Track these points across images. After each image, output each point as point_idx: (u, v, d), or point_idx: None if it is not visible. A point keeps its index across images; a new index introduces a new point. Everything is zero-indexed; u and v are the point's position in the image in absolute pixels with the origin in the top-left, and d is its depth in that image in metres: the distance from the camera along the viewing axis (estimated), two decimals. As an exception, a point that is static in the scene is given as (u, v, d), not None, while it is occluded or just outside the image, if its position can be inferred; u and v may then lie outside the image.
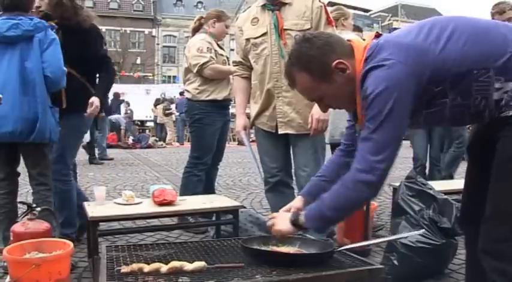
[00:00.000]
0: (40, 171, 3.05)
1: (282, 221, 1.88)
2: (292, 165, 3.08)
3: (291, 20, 2.84)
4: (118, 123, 16.16)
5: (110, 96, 18.72)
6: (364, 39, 1.78)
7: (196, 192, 3.75)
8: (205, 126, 4.01)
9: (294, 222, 1.83)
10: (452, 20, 1.69)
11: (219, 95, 4.01)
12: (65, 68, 2.99)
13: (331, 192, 1.72)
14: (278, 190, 3.08)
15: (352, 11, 4.47)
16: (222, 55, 4.10)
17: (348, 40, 1.78)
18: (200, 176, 4.05)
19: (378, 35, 1.76)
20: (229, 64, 4.10)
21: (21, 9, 2.98)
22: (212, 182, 4.34)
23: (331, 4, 11.45)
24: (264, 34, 2.91)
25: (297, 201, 2.05)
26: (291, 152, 3.05)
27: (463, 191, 2.01)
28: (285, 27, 2.85)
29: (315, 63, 1.69)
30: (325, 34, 1.83)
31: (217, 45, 4.12)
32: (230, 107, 4.33)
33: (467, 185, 1.98)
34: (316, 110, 2.74)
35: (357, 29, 4.52)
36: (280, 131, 2.96)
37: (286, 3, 2.86)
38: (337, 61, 1.67)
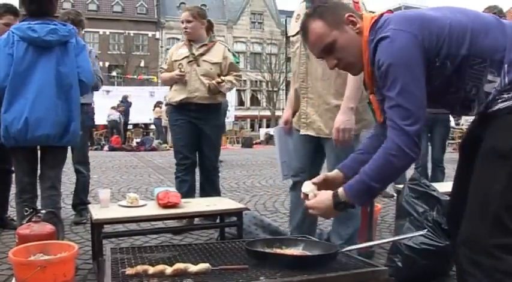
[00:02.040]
0: (56, 174, 3.12)
1: (321, 204, 1.83)
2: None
3: None
4: (115, 121, 16.32)
5: (119, 99, 18.96)
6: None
7: (182, 193, 3.63)
8: (171, 127, 4.28)
9: (336, 203, 1.78)
10: (459, 8, 1.78)
11: (174, 100, 4.06)
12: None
13: (373, 164, 1.72)
14: (297, 190, 3.07)
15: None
16: (177, 60, 4.07)
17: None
18: (180, 176, 4.09)
19: (390, 12, 1.89)
20: (197, 65, 4.01)
21: (50, 14, 3.06)
22: (213, 186, 4.24)
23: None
24: (298, 32, 2.91)
25: (333, 173, 2.05)
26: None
27: (451, 192, 1.99)
28: None
29: (329, 13, 1.83)
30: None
31: (191, 45, 4.08)
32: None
33: (455, 185, 1.96)
34: (338, 119, 2.69)
35: None
36: (302, 132, 2.98)
37: None
38: (349, 13, 1.81)
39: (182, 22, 4.05)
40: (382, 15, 1.81)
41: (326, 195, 1.82)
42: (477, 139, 1.73)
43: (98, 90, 4.42)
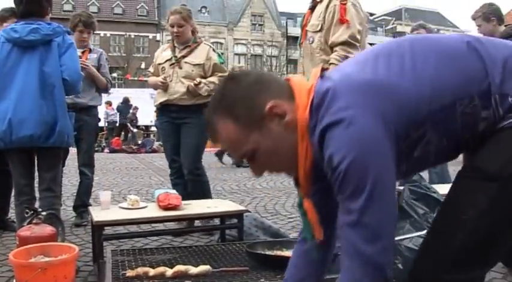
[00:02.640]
0: (52, 176, 3.06)
1: None
2: None
3: (312, 20, 2.82)
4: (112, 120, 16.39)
5: (120, 101, 19.00)
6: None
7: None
8: (159, 130, 4.24)
9: None
10: (411, 42, 1.35)
11: (157, 102, 4.08)
12: (82, 73, 3.03)
13: None
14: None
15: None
16: (160, 64, 4.05)
17: (286, 79, 1.37)
18: (173, 180, 4.12)
19: (324, 70, 1.35)
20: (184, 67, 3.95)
21: (37, 15, 3.02)
22: (196, 188, 3.98)
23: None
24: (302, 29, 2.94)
25: None
26: None
27: None
28: (307, 28, 2.85)
29: (241, 106, 1.27)
30: (257, 71, 1.48)
31: (176, 48, 4.05)
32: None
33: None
34: None
35: None
36: None
37: (318, 2, 2.83)
38: (272, 104, 1.25)
39: (172, 26, 3.95)
40: (322, 77, 1.31)
41: None
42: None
43: (107, 92, 4.42)
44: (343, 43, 2.64)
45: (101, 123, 20.49)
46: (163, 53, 4.09)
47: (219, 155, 9.96)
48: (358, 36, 2.66)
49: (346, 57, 2.67)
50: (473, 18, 4.57)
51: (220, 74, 3.96)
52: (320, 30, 2.77)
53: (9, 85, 2.93)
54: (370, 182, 1.15)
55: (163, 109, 4.05)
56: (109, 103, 18.16)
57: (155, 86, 4.04)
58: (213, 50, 4.07)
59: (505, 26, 4.45)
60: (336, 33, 2.68)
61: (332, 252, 1.44)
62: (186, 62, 3.94)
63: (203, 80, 3.85)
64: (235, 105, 1.27)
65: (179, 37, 3.97)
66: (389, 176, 1.20)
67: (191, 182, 3.97)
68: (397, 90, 1.22)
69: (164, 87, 3.92)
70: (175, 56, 3.97)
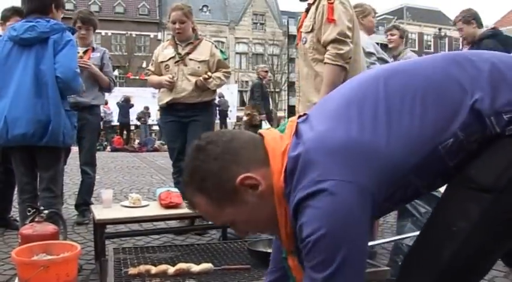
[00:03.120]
0: (50, 176, 3.03)
1: None
2: None
3: (305, 21, 2.87)
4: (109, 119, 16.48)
5: (120, 100, 19.02)
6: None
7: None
8: (162, 129, 4.19)
9: None
10: (385, 81, 1.25)
11: (162, 102, 4.06)
12: (77, 70, 2.96)
13: None
14: None
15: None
16: (163, 62, 4.04)
17: (260, 134, 1.30)
18: (175, 178, 4.13)
19: (298, 123, 1.29)
20: (187, 65, 3.96)
21: (40, 12, 3.00)
22: None
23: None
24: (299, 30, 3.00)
25: None
26: None
27: None
28: (301, 29, 2.90)
29: (211, 182, 1.21)
30: (226, 136, 1.27)
31: (178, 45, 4.03)
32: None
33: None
34: None
35: None
36: None
37: (311, 4, 2.87)
38: (243, 176, 1.20)
39: (174, 22, 3.95)
40: (295, 135, 1.24)
41: None
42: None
43: (110, 92, 4.41)
44: (333, 41, 2.68)
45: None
46: (164, 51, 4.08)
47: None
48: (349, 33, 2.70)
49: (337, 55, 2.70)
50: (455, 22, 4.81)
51: (224, 70, 3.99)
52: (312, 31, 2.82)
53: (8, 83, 2.93)
54: (339, 259, 1.08)
55: (168, 108, 4.04)
56: (105, 102, 18.14)
57: (159, 85, 4.04)
58: (215, 46, 4.07)
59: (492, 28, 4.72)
60: (326, 33, 2.73)
61: None
62: (190, 59, 3.93)
63: (212, 74, 3.88)
64: (205, 180, 1.22)
65: (181, 34, 3.97)
66: (360, 252, 1.13)
67: None
68: (373, 151, 1.15)
69: (171, 86, 3.91)
70: (179, 53, 3.96)
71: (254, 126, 9.26)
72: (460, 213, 1.19)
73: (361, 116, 1.19)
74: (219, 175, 1.20)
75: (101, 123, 17.90)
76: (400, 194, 1.22)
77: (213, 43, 4.10)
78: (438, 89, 1.20)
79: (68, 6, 39.78)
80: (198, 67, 3.91)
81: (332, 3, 2.74)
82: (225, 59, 4.11)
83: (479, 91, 1.17)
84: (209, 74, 3.86)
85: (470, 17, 4.62)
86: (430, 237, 1.27)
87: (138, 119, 18.76)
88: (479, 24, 4.67)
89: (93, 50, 4.37)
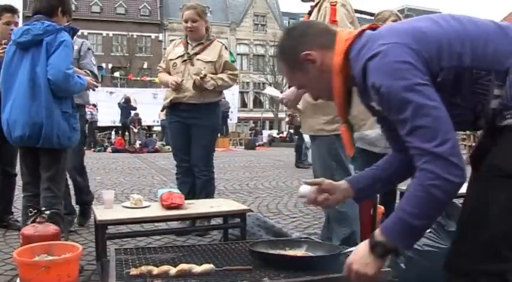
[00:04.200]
0: (50, 176, 3.03)
1: (358, 253, 1.51)
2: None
3: None
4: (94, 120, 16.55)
5: (120, 101, 19.02)
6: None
7: (184, 195, 3.50)
8: (167, 128, 4.15)
9: (374, 245, 1.46)
10: (453, 16, 1.55)
11: (166, 100, 4.06)
12: (68, 71, 2.92)
13: (412, 200, 1.40)
14: None
15: (358, 15, 4.35)
16: (172, 60, 4.05)
17: (336, 32, 1.67)
18: (180, 178, 4.10)
19: (374, 27, 1.63)
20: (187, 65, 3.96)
21: (45, 14, 3.01)
22: (203, 188, 4.00)
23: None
24: None
25: (336, 182, 1.85)
26: None
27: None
28: None
29: (287, 53, 1.67)
30: (306, 24, 1.89)
31: (189, 44, 4.04)
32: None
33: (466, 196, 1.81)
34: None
35: None
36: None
37: (314, 6, 2.89)
38: (304, 52, 1.60)
39: (186, 21, 3.94)
40: (361, 33, 1.58)
41: (362, 244, 1.53)
42: (484, 150, 1.51)
43: (93, 89, 4.10)
44: None
45: (107, 123, 20.59)
46: (175, 49, 4.08)
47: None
48: None
49: None
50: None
51: (230, 72, 3.94)
52: None
53: (12, 86, 2.98)
54: (413, 95, 1.36)
55: (173, 108, 4.04)
56: (94, 105, 18.05)
57: (167, 84, 4.03)
58: (225, 47, 4.05)
59: None
60: None
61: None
62: (198, 59, 3.93)
63: (210, 74, 3.84)
64: (284, 52, 1.69)
65: (192, 32, 3.96)
66: (426, 88, 1.38)
67: (202, 181, 3.97)
68: (431, 34, 1.44)
69: (177, 88, 3.88)
70: (188, 53, 3.97)
71: (296, 127, 9.33)
72: (492, 200, 1.39)
73: (425, 21, 1.53)
74: (292, 50, 1.64)
75: (88, 124, 17.96)
76: (448, 88, 1.43)
77: (223, 44, 4.07)
78: (488, 33, 1.45)
79: (69, 7, 39.91)
80: (204, 67, 3.88)
81: (334, 5, 2.76)
82: (233, 61, 4.06)
83: None
84: (204, 72, 3.80)
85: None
86: (468, 224, 1.45)
87: (130, 123, 18.65)
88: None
89: None
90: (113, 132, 21.49)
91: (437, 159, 1.33)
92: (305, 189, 1.85)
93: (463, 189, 1.48)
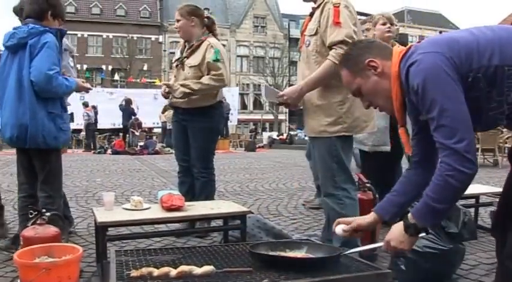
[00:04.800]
0: (44, 177, 3.10)
1: (394, 232, 1.82)
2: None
3: (310, 25, 2.88)
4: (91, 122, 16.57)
5: (121, 102, 18.98)
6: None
7: (182, 194, 3.50)
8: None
9: (406, 226, 1.77)
10: (487, 26, 1.80)
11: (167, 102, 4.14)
12: (49, 72, 2.91)
13: (433, 187, 1.70)
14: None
15: (358, 17, 4.33)
16: (174, 63, 4.10)
17: (392, 46, 2.02)
18: (180, 177, 4.12)
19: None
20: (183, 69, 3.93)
21: (33, 17, 3.03)
22: (201, 189, 3.96)
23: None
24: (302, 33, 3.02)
25: (368, 217, 2.06)
26: None
27: (500, 198, 2.05)
28: (305, 33, 2.91)
29: (352, 60, 1.94)
30: (370, 39, 2.26)
31: (187, 46, 4.00)
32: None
33: (504, 193, 2.00)
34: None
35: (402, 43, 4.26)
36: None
37: (316, 8, 2.89)
38: (369, 59, 1.87)
39: (177, 22, 3.96)
40: (410, 46, 1.83)
41: (397, 225, 1.83)
42: None
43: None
44: (341, 42, 2.68)
45: (107, 126, 20.48)
46: (177, 52, 4.11)
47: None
48: (355, 36, 2.71)
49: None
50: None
51: (214, 73, 3.75)
52: (316, 34, 2.82)
53: (5, 89, 3.05)
54: (439, 96, 1.64)
55: (174, 108, 4.12)
56: (85, 104, 18.06)
57: None
58: (212, 46, 3.81)
59: None
60: (331, 34, 2.73)
61: (419, 163, 1.99)
62: (187, 64, 3.89)
63: (188, 81, 3.78)
64: (349, 59, 1.96)
65: (179, 32, 3.96)
66: (453, 90, 1.64)
67: (200, 183, 3.96)
68: (463, 41, 1.71)
69: (166, 96, 3.97)
70: (180, 57, 3.97)
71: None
72: None
73: (461, 31, 1.83)
74: (357, 58, 1.92)
75: (86, 126, 17.89)
76: (483, 85, 1.67)
77: (209, 44, 3.84)
78: None
79: (69, 9, 39.95)
80: (188, 73, 3.84)
81: (337, 6, 2.75)
82: (216, 60, 3.77)
83: None
84: (165, 82, 3.84)
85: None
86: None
87: (130, 126, 18.61)
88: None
89: None
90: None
91: (455, 154, 1.62)
92: (340, 232, 2.04)
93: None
